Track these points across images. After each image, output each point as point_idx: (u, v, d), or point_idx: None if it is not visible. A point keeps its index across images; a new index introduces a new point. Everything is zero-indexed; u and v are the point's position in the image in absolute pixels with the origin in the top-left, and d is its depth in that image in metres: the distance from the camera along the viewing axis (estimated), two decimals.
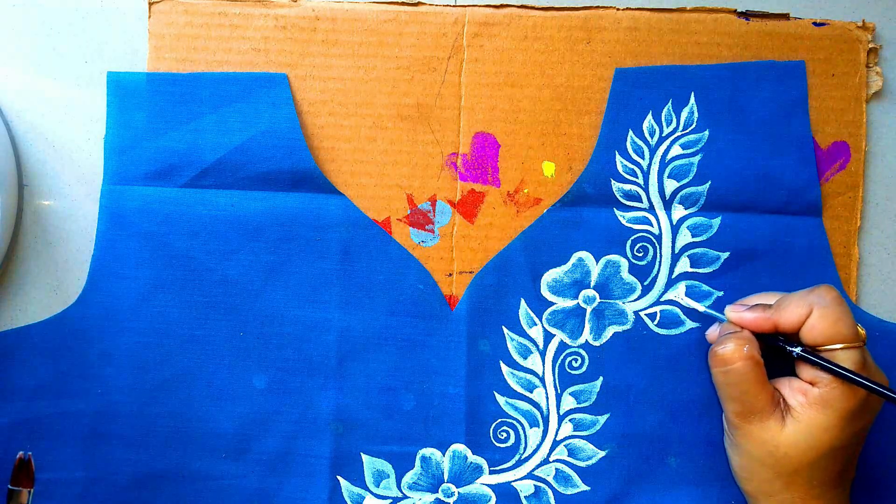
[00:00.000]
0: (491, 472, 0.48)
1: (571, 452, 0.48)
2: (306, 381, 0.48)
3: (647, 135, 0.48)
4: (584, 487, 0.48)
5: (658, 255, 0.48)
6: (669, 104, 0.48)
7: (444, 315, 0.48)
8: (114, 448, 0.48)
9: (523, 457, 0.48)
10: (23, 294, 0.49)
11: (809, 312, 0.41)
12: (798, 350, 0.42)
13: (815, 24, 0.48)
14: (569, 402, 0.48)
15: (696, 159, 0.48)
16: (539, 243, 0.48)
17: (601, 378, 0.48)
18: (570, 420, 0.48)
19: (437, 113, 0.49)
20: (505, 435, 0.48)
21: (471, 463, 0.48)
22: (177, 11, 0.48)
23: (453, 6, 0.49)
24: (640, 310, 0.48)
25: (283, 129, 0.48)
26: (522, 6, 0.48)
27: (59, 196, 0.49)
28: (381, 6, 0.48)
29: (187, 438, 0.48)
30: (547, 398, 0.48)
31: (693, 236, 0.48)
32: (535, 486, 0.48)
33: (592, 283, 0.48)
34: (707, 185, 0.48)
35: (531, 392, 0.48)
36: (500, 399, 0.48)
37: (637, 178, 0.48)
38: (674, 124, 0.48)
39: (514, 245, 0.48)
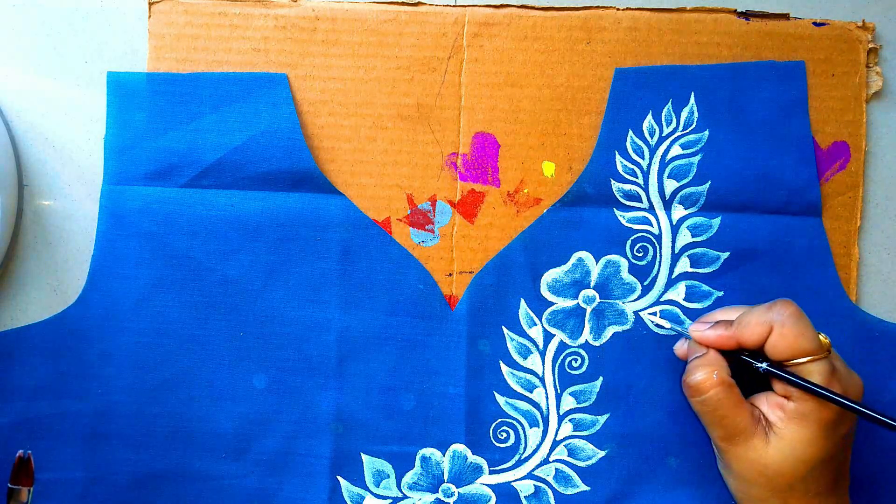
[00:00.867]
0: (491, 472, 0.48)
1: (571, 452, 0.48)
2: (306, 381, 0.48)
3: (647, 135, 0.48)
4: (584, 487, 0.48)
5: (658, 255, 0.48)
6: (669, 104, 0.48)
7: (444, 315, 0.48)
8: (114, 448, 0.48)
9: (523, 457, 0.48)
10: (23, 294, 0.49)
11: (770, 330, 0.41)
12: (764, 365, 0.42)
13: (815, 24, 0.48)
14: (569, 402, 0.48)
15: (696, 159, 0.48)
16: (539, 243, 0.48)
17: (601, 378, 0.48)
18: (569, 420, 0.48)
19: (437, 113, 0.49)
20: (505, 435, 0.48)
21: (471, 463, 0.48)
22: (177, 11, 0.48)
23: (453, 6, 0.49)
24: (640, 310, 0.48)
25: (283, 129, 0.48)
26: (522, 6, 0.48)
27: (59, 196, 0.49)
28: (381, 6, 0.48)
29: (187, 438, 0.48)
30: (547, 398, 0.48)
31: (693, 236, 0.48)
32: (534, 486, 0.48)
33: (592, 283, 0.48)
34: (707, 185, 0.48)
35: (531, 392, 0.48)
36: (500, 399, 0.48)
37: (637, 178, 0.48)
38: (674, 124, 0.48)
39: (514, 245, 0.48)
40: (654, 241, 0.48)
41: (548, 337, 0.48)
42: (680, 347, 0.46)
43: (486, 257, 0.48)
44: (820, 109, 0.48)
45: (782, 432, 0.41)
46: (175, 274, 0.48)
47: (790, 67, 0.48)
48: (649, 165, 0.48)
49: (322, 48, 0.48)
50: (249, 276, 0.48)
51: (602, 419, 0.48)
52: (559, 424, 0.48)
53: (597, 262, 0.48)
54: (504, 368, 0.48)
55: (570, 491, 0.48)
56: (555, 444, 0.48)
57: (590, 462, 0.48)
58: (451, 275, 0.49)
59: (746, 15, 0.48)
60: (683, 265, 0.48)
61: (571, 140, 0.48)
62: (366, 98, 0.49)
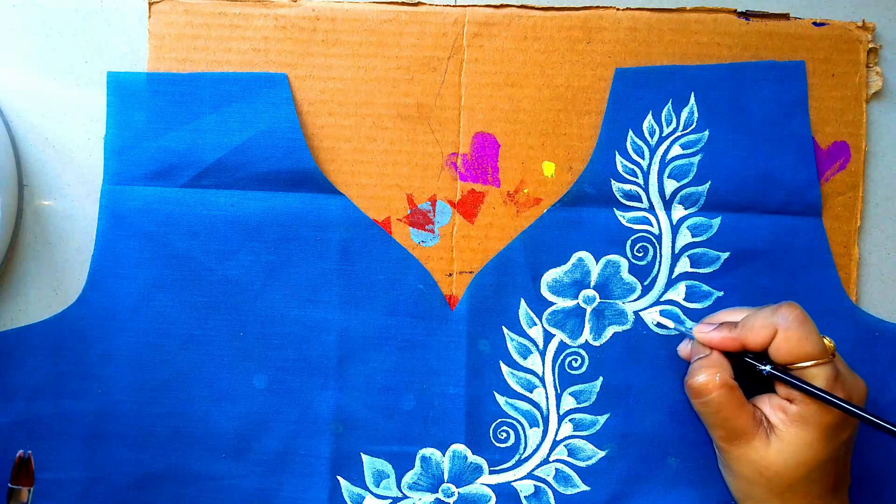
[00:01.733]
0: (491, 472, 0.48)
1: (571, 452, 0.48)
2: (306, 381, 0.48)
3: (647, 135, 0.48)
4: (584, 487, 0.48)
5: (658, 255, 0.48)
6: (669, 104, 0.48)
7: (444, 315, 0.48)
8: (114, 448, 0.48)
9: (523, 457, 0.48)
10: (23, 294, 0.49)
11: (774, 333, 0.41)
12: (767, 368, 0.42)
13: (815, 24, 0.48)
14: (569, 402, 0.48)
15: (696, 159, 0.48)
16: (539, 243, 0.48)
17: (601, 378, 0.48)
18: (569, 420, 0.48)
19: (437, 113, 0.49)
20: (505, 435, 0.48)
21: (471, 463, 0.48)
22: (177, 11, 0.48)
23: (453, 6, 0.49)
24: (640, 310, 0.48)
25: (283, 129, 0.48)
26: (522, 6, 0.48)
27: (59, 196, 0.49)
28: (381, 6, 0.48)
29: (187, 438, 0.48)
30: (547, 398, 0.48)
31: (693, 236, 0.48)
32: (534, 486, 0.48)
33: (592, 283, 0.48)
34: (707, 185, 0.48)
35: (531, 392, 0.48)
36: (500, 399, 0.48)
37: (637, 178, 0.48)
38: (674, 124, 0.48)
39: (514, 245, 0.48)
40: (654, 241, 0.48)
41: (548, 337, 0.48)
42: (684, 348, 0.46)
43: (486, 257, 0.48)
44: (820, 109, 0.48)
45: (783, 435, 0.41)
46: (175, 274, 0.48)
47: (790, 67, 0.48)
48: (649, 165, 0.48)
49: (322, 48, 0.48)
50: (249, 276, 0.48)
51: (602, 419, 0.48)
52: (559, 424, 0.48)
53: (597, 262, 0.48)
54: (504, 368, 0.48)
55: (570, 491, 0.48)
56: (555, 444, 0.48)
57: (590, 462, 0.48)
58: (451, 275, 0.49)
59: (746, 15, 0.48)
60: (683, 265, 0.48)
61: (571, 140, 0.48)
62: (366, 98, 0.49)
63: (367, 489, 0.48)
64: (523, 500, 0.48)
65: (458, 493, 0.48)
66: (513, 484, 0.48)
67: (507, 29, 0.48)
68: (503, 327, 0.48)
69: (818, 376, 0.40)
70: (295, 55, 0.48)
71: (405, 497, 0.48)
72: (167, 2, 0.48)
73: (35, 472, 0.47)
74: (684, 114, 0.48)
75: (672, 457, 0.48)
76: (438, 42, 0.48)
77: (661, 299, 0.48)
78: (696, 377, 0.42)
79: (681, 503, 0.48)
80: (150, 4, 0.48)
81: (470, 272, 0.49)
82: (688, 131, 0.48)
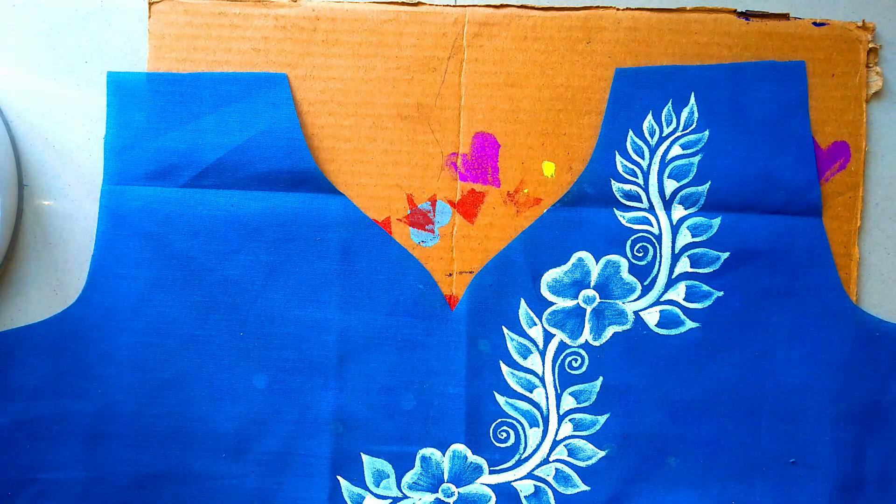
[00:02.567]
0: (491, 472, 0.48)
1: (571, 452, 0.48)
2: (306, 381, 0.48)
3: (647, 135, 0.48)
4: (584, 487, 0.48)
5: (658, 255, 0.48)
6: (669, 104, 0.48)
7: (444, 315, 0.48)
8: (114, 448, 0.48)
9: (523, 457, 0.48)
10: (23, 294, 0.49)
11: None
12: None
13: (815, 24, 0.48)
14: (569, 402, 0.48)
15: (696, 159, 0.48)
16: (539, 243, 0.48)
17: (601, 378, 0.48)
18: (569, 420, 0.48)
19: (437, 113, 0.49)
20: (505, 435, 0.48)
21: (471, 463, 0.48)
22: (177, 11, 0.48)
23: (453, 6, 0.49)
24: (640, 310, 0.48)
25: (283, 129, 0.48)
26: (522, 6, 0.48)
27: (59, 196, 0.49)
28: (381, 6, 0.48)
29: (187, 438, 0.48)
30: (547, 398, 0.48)
31: (693, 236, 0.48)
32: (534, 486, 0.48)
33: (592, 283, 0.48)
34: (707, 185, 0.48)
35: (531, 392, 0.48)
36: (500, 399, 0.48)
37: (637, 178, 0.48)
38: (674, 124, 0.48)
39: (514, 245, 0.48)
40: (654, 241, 0.48)
41: (548, 337, 0.48)
42: None
43: (486, 257, 0.48)
44: (820, 109, 0.48)
45: None
46: (175, 274, 0.48)
47: (790, 67, 0.48)
48: (649, 165, 0.48)
49: (322, 48, 0.48)
50: (249, 276, 0.48)
51: (602, 419, 0.48)
52: (559, 424, 0.48)
53: (597, 262, 0.48)
54: (504, 368, 0.48)
55: (570, 491, 0.48)
56: (555, 443, 0.48)
57: (590, 462, 0.48)
58: (451, 275, 0.49)
59: (746, 15, 0.48)
60: (683, 265, 0.48)
61: (571, 140, 0.48)
62: (366, 98, 0.49)
63: (367, 489, 0.48)
64: (523, 500, 0.48)
65: (458, 493, 0.48)
66: (513, 484, 0.48)
67: (507, 29, 0.48)
68: (503, 327, 0.48)
69: None
70: (295, 55, 0.48)
71: (405, 497, 0.48)
72: (167, 2, 0.48)
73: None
74: (684, 114, 0.48)
75: (672, 457, 0.48)
76: (438, 42, 0.48)
77: (661, 299, 0.48)
78: None
79: (681, 503, 0.48)
80: (150, 4, 0.48)
81: (470, 272, 0.49)
82: (688, 131, 0.48)
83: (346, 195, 0.48)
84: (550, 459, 0.48)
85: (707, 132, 0.48)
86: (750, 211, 0.48)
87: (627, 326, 0.48)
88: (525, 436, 0.48)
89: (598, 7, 0.48)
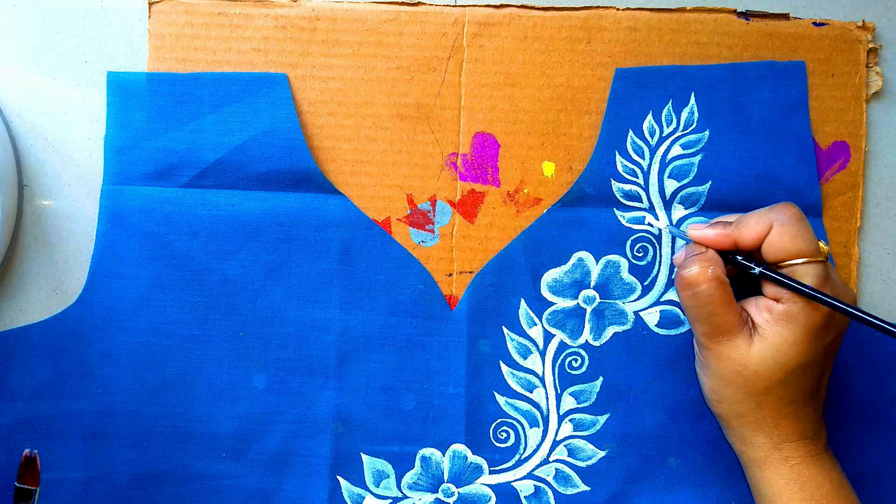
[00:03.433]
0: (491, 472, 0.48)
1: (571, 452, 0.48)
2: (306, 381, 0.48)
3: (647, 135, 0.48)
4: (584, 487, 0.48)
5: (658, 255, 0.48)
6: (669, 104, 0.48)
7: (444, 315, 0.48)
8: (114, 448, 0.48)
9: (523, 457, 0.48)
10: (23, 294, 0.49)
11: (769, 229, 0.41)
12: (758, 269, 0.42)
13: (815, 24, 0.48)
14: (569, 402, 0.48)
15: (696, 159, 0.48)
16: (539, 243, 0.48)
17: (601, 378, 0.48)
18: (570, 420, 0.48)
19: (437, 113, 0.49)
20: (505, 435, 0.48)
21: (471, 463, 0.48)
22: (177, 11, 0.48)
23: (453, 6, 0.49)
24: (640, 310, 0.48)
25: (283, 129, 0.48)
26: (522, 6, 0.48)
27: (59, 196, 0.49)
28: (381, 6, 0.48)
29: (187, 438, 0.48)
30: (547, 398, 0.48)
31: None
32: (534, 486, 0.48)
33: (592, 284, 0.48)
34: (707, 185, 0.48)
35: (531, 392, 0.48)
36: (500, 399, 0.48)
37: (637, 178, 0.48)
38: (674, 124, 0.48)
39: (514, 245, 0.48)
40: (654, 241, 0.48)
41: (548, 337, 0.48)
42: (678, 257, 0.46)
43: (486, 257, 0.48)
44: (820, 109, 0.48)
45: (767, 334, 0.41)
46: (175, 274, 0.48)
47: (790, 67, 0.48)
48: (650, 165, 0.48)
49: (322, 48, 0.48)
50: (249, 276, 0.48)
51: (602, 419, 0.48)
52: (559, 424, 0.48)
53: (597, 262, 0.48)
54: (504, 368, 0.48)
55: (570, 491, 0.48)
56: (555, 444, 0.48)
57: (590, 462, 0.48)
58: (451, 275, 0.49)
59: (746, 15, 0.48)
60: None
61: (571, 140, 0.48)
62: (366, 98, 0.48)
63: (367, 489, 0.48)
64: (523, 500, 0.48)
65: (458, 493, 0.48)
66: (513, 484, 0.48)
67: (507, 29, 0.48)
68: (503, 327, 0.48)
69: (808, 275, 0.40)
70: (295, 55, 0.48)
71: (405, 497, 0.48)
72: (167, 2, 0.48)
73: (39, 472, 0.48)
74: (684, 114, 0.48)
75: (672, 457, 0.48)
76: (438, 42, 0.48)
77: (662, 299, 0.48)
78: (689, 269, 0.42)
79: (681, 503, 0.48)
80: (150, 4, 0.48)
81: (470, 272, 0.49)
82: (688, 131, 0.48)
83: (346, 195, 0.48)
84: (550, 459, 0.48)
85: (707, 132, 0.48)
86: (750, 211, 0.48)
87: (627, 326, 0.48)
88: (525, 436, 0.48)
89: (598, 7, 0.48)
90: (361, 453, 0.48)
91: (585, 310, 0.48)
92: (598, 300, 0.48)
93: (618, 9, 0.48)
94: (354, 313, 0.48)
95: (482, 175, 0.49)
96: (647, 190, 0.48)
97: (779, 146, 0.48)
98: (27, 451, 0.47)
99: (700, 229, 0.44)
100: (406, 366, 0.48)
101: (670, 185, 0.48)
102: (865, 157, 0.48)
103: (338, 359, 0.48)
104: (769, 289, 0.42)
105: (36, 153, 0.49)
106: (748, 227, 0.42)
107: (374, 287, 0.48)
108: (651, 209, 0.48)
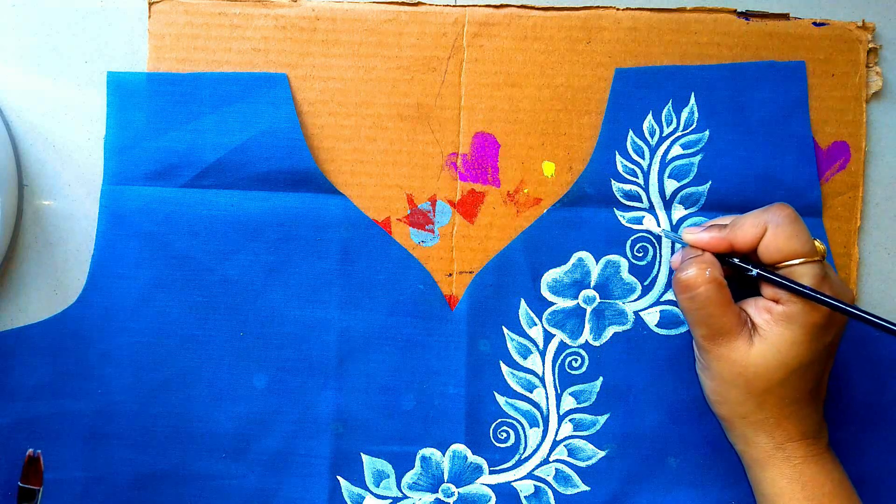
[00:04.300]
0: (491, 472, 0.48)
1: (571, 452, 0.48)
2: (306, 381, 0.48)
3: (647, 135, 0.48)
4: (584, 487, 0.48)
5: (658, 255, 0.48)
6: (669, 104, 0.48)
7: (444, 315, 0.48)
8: (114, 448, 0.48)
9: (523, 457, 0.48)
10: (23, 294, 0.49)
11: (764, 231, 0.41)
12: (756, 271, 0.42)
13: (815, 24, 0.48)
14: (569, 402, 0.48)
15: (696, 159, 0.48)
16: (539, 243, 0.48)
17: (601, 378, 0.48)
18: (570, 420, 0.48)
19: (437, 113, 0.49)
20: (505, 435, 0.48)
21: (471, 463, 0.48)
22: (177, 11, 0.48)
23: (453, 6, 0.49)
24: (640, 310, 0.48)
25: (283, 129, 0.48)
26: (522, 6, 0.48)
27: (59, 196, 0.49)
28: (381, 6, 0.48)
29: (187, 438, 0.48)
30: (547, 398, 0.48)
31: None
32: (535, 486, 0.48)
33: (592, 284, 0.48)
34: (707, 185, 0.48)
35: (531, 392, 0.48)
36: (500, 399, 0.48)
37: (637, 178, 0.48)
38: (674, 124, 0.48)
39: (514, 245, 0.48)
40: (654, 241, 0.48)
41: (548, 337, 0.48)
42: (675, 259, 0.46)
43: (486, 257, 0.48)
44: (820, 109, 0.48)
45: (767, 334, 0.41)
46: (175, 274, 0.48)
47: (790, 67, 0.48)
48: (649, 165, 0.48)
49: (322, 48, 0.48)
50: (249, 276, 0.48)
51: (602, 419, 0.48)
52: (559, 424, 0.48)
53: (597, 262, 0.48)
54: (504, 368, 0.48)
55: (570, 491, 0.48)
56: (555, 444, 0.48)
57: (590, 462, 0.48)
58: (451, 275, 0.49)
59: (746, 15, 0.48)
60: None
61: (571, 140, 0.48)
62: (366, 98, 0.49)
63: (367, 489, 0.48)
64: (523, 500, 0.48)
65: (458, 493, 0.48)
66: (513, 484, 0.48)
67: (507, 29, 0.48)
68: (503, 327, 0.48)
69: (806, 275, 0.41)
70: (295, 55, 0.48)
71: (405, 497, 0.48)
72: (167, 2, 0.48)
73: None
74: (684, 114, 0.48)
75: (672, 457, 0.48)
76: (438, 42, 0.48)
77: (662, 299, 0.48)
78: (687, 271, 0.42)
79: (681, 503, 0.48)
80: (150, 4, 0.48)
81: (470, 272, 0.49)
82: (688, 131, 0.48)
83: (346, 195, 0.48)
84: (550, 459, 0.48)
85: (707, 132, 0.48)
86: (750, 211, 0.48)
87: (627, 326, 0.48)
88: (525, 436, 0.48)
89: (598, 7, 0.48)
90: (361, 453, 0.48)
91: (585, 310, 0.48)
92: (598, 300, 0.48)
93: (618, 9, 0.48)
94: (354, 313, 0.48)
95: (482, 175, 0.49)
96: (647, 190, 0.48)
97: (779, 146, 0.48)
98: (31, 450, 0.47)
99: (695, 233, 0.44)
100: (406, 366, 0.48)
101: (670, 185, 0.48)
102: (865, 157, 0.48)
103: (338, 359, 0.48)
104: (767, 290, 0.42)
105: (36, 153, 0.49)
106: (743, 230, 0.42)
107: (374, 287, 0.48)
108: (651, 209, 0.48)
